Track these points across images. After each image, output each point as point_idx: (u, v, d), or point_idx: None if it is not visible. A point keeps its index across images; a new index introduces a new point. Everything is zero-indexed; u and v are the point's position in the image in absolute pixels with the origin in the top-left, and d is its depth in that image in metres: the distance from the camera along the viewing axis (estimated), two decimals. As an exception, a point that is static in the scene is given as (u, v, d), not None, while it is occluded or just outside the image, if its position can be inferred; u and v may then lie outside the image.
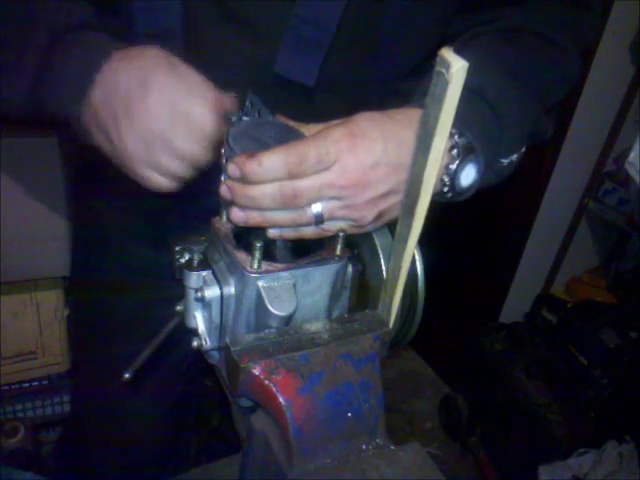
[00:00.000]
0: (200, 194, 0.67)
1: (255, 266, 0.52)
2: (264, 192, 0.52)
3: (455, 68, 0.39)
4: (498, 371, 1.80)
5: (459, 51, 0.40)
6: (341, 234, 0.56)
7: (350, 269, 0.60)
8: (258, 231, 0.56)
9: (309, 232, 0.56)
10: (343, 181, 0.53)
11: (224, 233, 0.57)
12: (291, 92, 0.70)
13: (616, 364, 1.68)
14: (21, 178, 1.24)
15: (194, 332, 0.58)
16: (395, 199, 0.57)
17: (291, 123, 0.62)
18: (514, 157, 0.66)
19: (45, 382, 1.57)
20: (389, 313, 0.57)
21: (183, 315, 0.60)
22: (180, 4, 0.66)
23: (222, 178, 0.57)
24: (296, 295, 0.53)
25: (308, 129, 0.61)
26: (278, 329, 0.53)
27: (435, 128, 0.43)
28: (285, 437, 0.49)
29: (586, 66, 1.69)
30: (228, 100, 0.59)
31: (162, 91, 0.56)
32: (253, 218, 0.54)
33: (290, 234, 0.56)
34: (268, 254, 0.55)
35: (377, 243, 0.60)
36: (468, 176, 0.60)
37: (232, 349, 0.50)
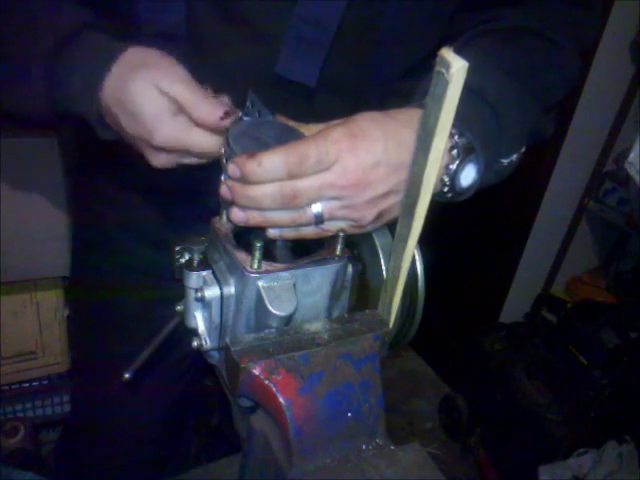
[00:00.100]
0: (200, 194, 0.67)
1: (255, 266, 0.52)
2: (264, 192, 0.52)
3: (455, 68, 0.39)
4: (498, 371, 1.80)
5: (459, 51, 0.40)
6: (341, 234, 0.56)
7: (350, 269, 0.60)
8: (258, 231, 0.56)
9: (309, 232, 0.56)
10: (343, 181, 0.53)
11: (224, 233, 0.57)
12: (291, 92, 0.70)
13: (616, 364, 1.68)
14: (21, 178, 1.24)
15: (194, 332, 0.58)
16: (395, 199, 0.57)
17: (291, 123, 0.62)
18: (514, 157, 0.66)
19: (45, 382, 1.58)
20: (389, 313, 0.57)
21: (183, 315, 0.60)
22: (185, 4, 0.66)
23: (222, 178, 0.57)
24: (296, 295, 0.53)
25: (308, 129, 0.61)
26: (278, 329, 0.53)
27: (435, 128, 0.43)
28: (285, 437, 0.49)
29: (586, 66, 1.69)
30: (225, 110, 0.60)
31: (163, 136, 0.59)
32: (253, 218, 0.54)
33: (290, 234, 0.56)
34: (268, 254, 0.55)
35: (377, 243, 0.60)
36: (468, 176, 0.60)
37: (232, 349, 0.50)
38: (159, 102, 0.57)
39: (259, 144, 0.57)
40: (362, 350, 0.53)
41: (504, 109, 0.63)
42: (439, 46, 0.41)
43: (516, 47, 0.71)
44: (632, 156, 1.86)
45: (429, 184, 0.46)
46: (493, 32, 0.72)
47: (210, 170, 0.61)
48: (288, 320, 0.53)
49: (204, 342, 0.58)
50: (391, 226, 0.59)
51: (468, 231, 2.08)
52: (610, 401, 1.67)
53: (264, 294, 0.52)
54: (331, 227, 0.56)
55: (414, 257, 0.59)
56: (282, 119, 0.63)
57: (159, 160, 0.61)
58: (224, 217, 0.58)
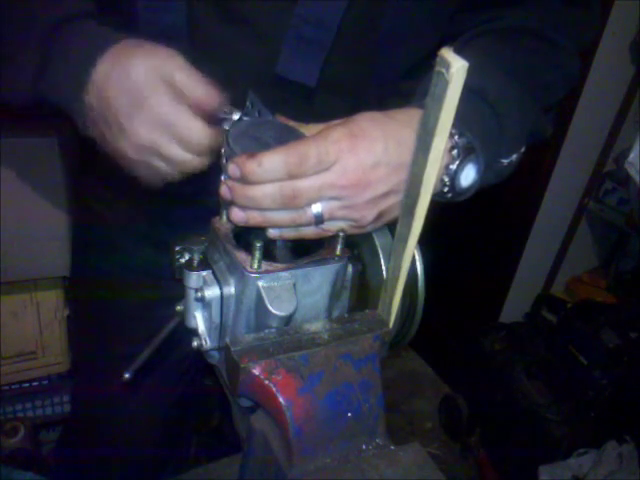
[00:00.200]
0: (200, 194, 0.67)
1: (255, 266, 0.52)
2: (264, 192, 0.52)
3: (455, 68, 0.39)
4: (498, 371, 1.80)
5: (459, 51, 0.40)
6: (341, 234, 0.56)
7: (350, 269, 0.60)
8: (258, 231, 0.56)
9: (309, 232, 0.56)
10: (343, 181, 0.53)
11: (224, 233, 0.57)
12: (291, 92, 0.70)
13: (616, 364, 1.68)
14: (21, 178, 1.24)
15: (194, 332, 0.58)
16: (395, 199, 0.57)
17: (291, 123, 0.62)
18: (514, 157, 0.66)
19: (45, 382, 1.57)
20: (389, 313, 0.57)
21: (183, 315, 0.60)
22: (185, 4, 0.66)
23: (222, 178, 0.57)
24: (296, 295, 0.53)
25: (308, 129, 0.61)
26: (278, 329, 0.53)
27: (435, 128, 0.43)
28: (285, 437, 0.49)
29: (586, 66, 1.69)
30: (216, 97, 0.59)
31: (151, 108, 0.56)
32: (253, 218, 0.54)
33: (290, 234, 0.56)
34: (268, 254, 0.55)
35: (377, 243, 0.60)
36: (468, 176, 0.60)
37: (232, 349, 0.50)
38: (156, 78, 0.57)
39: (259, 144, 0.57)
40: (362, 350, 0.53)
41: (504, 109, 0.63)
42: (439, 46, 0.41)
43: (516, 47, 0.71)
44: (632, 156, 1.86)
45: (429, 184, 0.46)
46: (493, 32, 0.72)
47: (210, 170, 0.61)
48: (288, 320, 0.53)
49: (204, 342, 0.58)
50: (391, 226, 0.59)
51: (468, 231, 2.08)
52: (610, 401, 1.67)
53: (264, 294, 0.52)
54: (331, 227, 0.56)
55: (414, 257, 0.59)
56: (282, 119, 0.63)
57: (136, 154, 0.59)
58: (224, 217, 0.58)
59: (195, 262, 0.57)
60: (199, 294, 0.55)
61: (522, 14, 0.73)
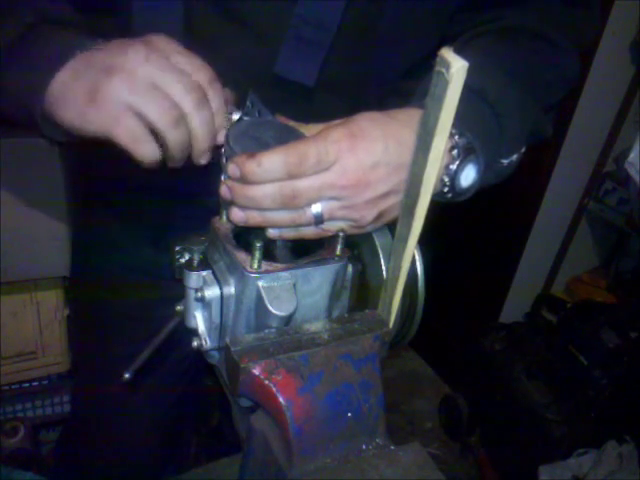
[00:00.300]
0: (200, 194, 0.67)
1: (255, 266, 0.52)
2: (264, 192, 0.52)
3: (455, 68, 0.39)
4: (498, 371, 1.80)
5: (459, 51, 0.40)
6: (341, 234, 0.56)
7: (350, 269, 0.60)
8: (258, 231, 0.56)
9: (309, 232, 0.56)
10: (343, 181, 0.53)
11: (224, 233, 0.57)
12: (291, 92, 0.70)
13: (616, 364, 1.68)
14: (21, 178, 1.24)
15: (194, 332, 0.58)
16: (395, 199, 0.57)
17: (291, 123, 0.62)
18: (514, 157, 0.66)
19: (45, 382, 1.57)
20: (389, 313, 0.57)
21: (183, 315, 0.60)
22: (182, 5, 0.66)
23: (222, 178, 0.57)
24: (296, 295, 0.53)
25: (308, 129, 0.61)
26: (278, 329, 0.53)
27: (435, 128, 0.43)
28: (285, 437, 0.49)
29: (586, 66, 1.69)
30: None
31: (130, 68, 0.52)
32: (253, 218, 0.54)
33: (290, 234, 0.56)
34: (268, 254, 0.55)
35: (377, 243, 0.60)
36: (468, 176, 0.60)
37: (232, 349, 0.50)
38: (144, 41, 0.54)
39: (259, 144, 0.57)
40: (362, 350, 0.53)
41: (504, 109, 0.63)
42: (439, 46, 0.41)
43: (516, 47, 0.71)
44: (632, 156, 1.86)
45: (429, 184, 0.46)
46: (493, 32, 0.72)
47: (210, 170, 0.61)
48: (288, 320, 0.53)
49: (204, 342, 0.58)
50: (391, 226, 0.59)
51: (468, 231, 2.08)
52: (610, 401, 1.67)
53: (264, 294, 0.52)
54: (331, 227, 0.56)
55: (414, 257, 0.59)
56: (282, 119, 0.63)
57: (113, 120, 0.52)
58: (224, 217, 0.58)
59: (195, 262, 0.57)
60: (199, 294, 0.55)
61: (522, 14, 0.73)
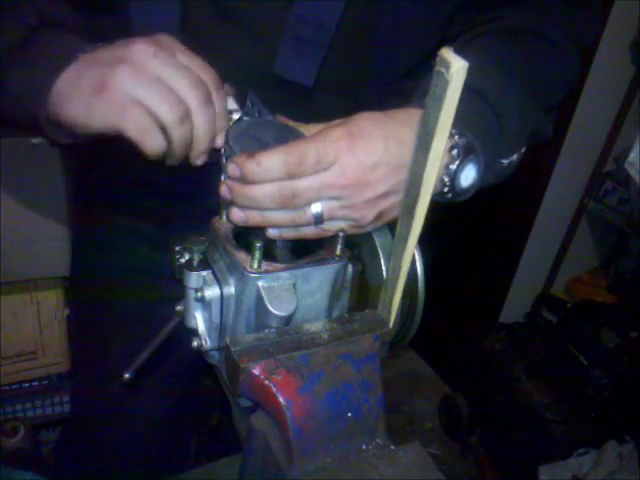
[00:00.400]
0: (200, 194, 0.67)
1: (255, 266, 0.52)
2: (264, 192, 0.52)
3: (455, 68, 0.39)
4: (498, 371, 1.80)
5: (459, 51, 0.40)
6: (341, 234, 0.56)
7: (350, 269, 0.60)
8: (258, 231, 0.56)
9: (309, 232, 0.56)
10: (343, 181, 0.53)
11: (224, 233, 0.57)
12: (290, 92, 0.70)
13: (616, 364, 1.68)
14: (21, 178, 1.24)
15: (194, 332, 0.58)
16: (395, 199, 0.57)
17: (291, 123, 0.62)
18: (514, 157, 0.66)
19: (45, 382, 1.57)
20: (389, 313, 0.57)
21: (183, 315, 0.60)
22: (179, 5, 0.66)
23: (222, 178, 0.57)
24: (296, 295, 0.53)
25: (308, 129, 0.61)
26: (278, 329, 0.53)
27: (435, 128, 0.43)
28: (285, 437, 0.49)
29: (586, 66, 1.69)
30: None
31: (135, 61, 0.52)
32: (253, 218, 0.54)
33: (290, 234, 0.56)
34: (268, 254, 0.55)
35: (377, 243, 0.60)
36: (468, 176, 0.60)
37: (232, 349, 0.50)
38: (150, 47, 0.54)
39: (259, 144, 0.57)
40: (362, 350, 0.53)
41: (504, 109, 0.63)
42: (439, 46, 0.41)
43: (516, 47, 0.71)
44: (632, 156, 1.86)
45: (429, 184, 0.46)
46: (493, 32, 0.72)
47: (210, 170, 0.61)
48: (288, 320, 0.53)
49: (204, 342, 0.58)
50: (391, 226, 0.59)
51: (468, 231, 2.08)
52: (610, 401, 1.67)
53: (264, 294, 0.52)
54: (331, 227, 0.56)
55: (414, 257, 0.59)
56: (282, 119, 0.63)
57: (119, 113, 0.52)
58: (224, 217, 0.58)
59: (195, 262, 0.57)
60: (199, 294, 0.55)
61: (522, 14, 0.73)
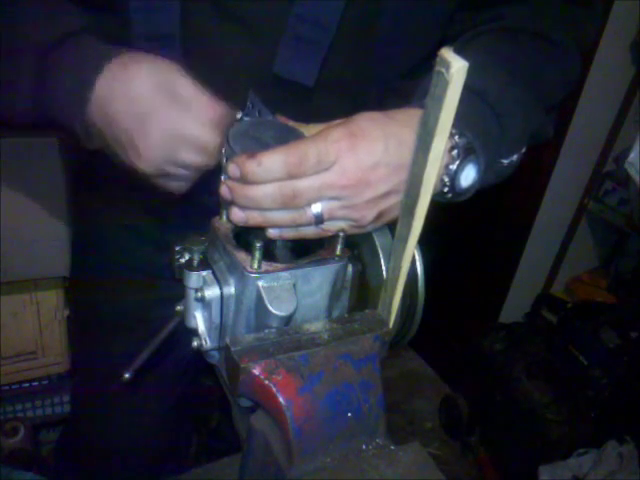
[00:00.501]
0: (200, 194, 0.67)
1: (255, 266, 0.52)
2: (264, 192, 0.52)
3: (455, 68, 0.39)
4: (498, 371, 1.80)
5: (459, 51, 0.40)
6: (341, 234, 0.56)
7: (350, 269, 0.60)
8: (258, 231, 0.56)
9: (309, 232, 0.56)
10: (343, 181, 0.53)
11: (224, 233, 0.57)
12: (290, 92, 0.70)
13: (616, 364, 1.68)
14: (21, 178, 1.24)
15: (194, 332, 0.58)
16: (395, 199, 0.57)
17: (291, 123, 0.62)
18: (514, 157, 0.66)
19: (45, 382, 1.57)
20: (389, 313, 0.57)
21: (183, 315, 0.60)
22: (179, 5, 0.66)
23: (222, 178, 0.57)
24: (296, 295, 0.53)
25: (308, 129, 0.61)
26: (278, 329, 0.53)
27: (435, 128, 0.43)
28: (285, 437, 0.49)
29: (586, 66, 1.69)
30: (225, 110, 0.60)
31: (160, 123, 0.57)
32: (253, 218, 0.54)
33: (290, 234, 0.56)
34: (268, 254, 0.55)
35: (377, 243, 0.60)
36: (468, 176, 0.60)
37: (232, 349, 0.50)
38: (159, 92, 0.57)
39: (259, 144, 0.57)
40: (362, 350, 0.53)
41: (505, 109, 0.63)
42: (439, 46, 0.41)
43: (516, 47, 0.71)
44: (632, 156, 1.86)
45: (429, 184, 0.46)
46: (493, 32, 0.72)
47: (210, 170, 0.61)
48: (288, 320, 0.53)
49: (204, 342, 0.58)
50: (391, 226, 0.59)
51: (468, 231, 2.08)
52: (610, 401, 1.67)
53: (264, 294, 0.52)
54: (331, 227, 0.56)
55: (414, 257, 0.59)
56: (282, 119, 0.63)
57: (152, 155, 0.59)
58: (224, 217, 0.58)
59: (195, 262, 0.57)
60: (199, 294, 0.55)
61: (522, 13, 0.73)
